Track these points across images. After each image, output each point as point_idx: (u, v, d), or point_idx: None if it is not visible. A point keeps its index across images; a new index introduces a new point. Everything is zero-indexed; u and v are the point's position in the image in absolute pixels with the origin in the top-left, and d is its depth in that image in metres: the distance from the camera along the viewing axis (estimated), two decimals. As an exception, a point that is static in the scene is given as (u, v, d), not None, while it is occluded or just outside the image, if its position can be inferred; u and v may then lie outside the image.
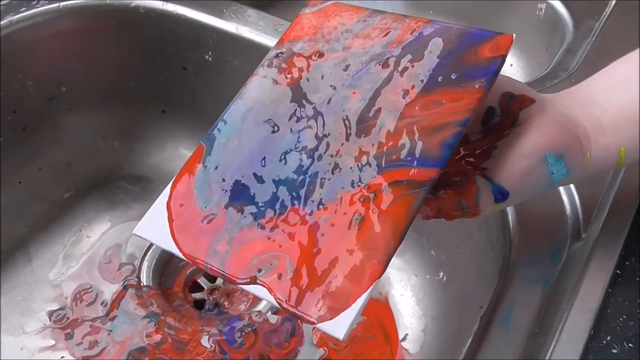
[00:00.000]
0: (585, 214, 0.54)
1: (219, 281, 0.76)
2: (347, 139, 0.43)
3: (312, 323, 0.36)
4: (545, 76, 0.69)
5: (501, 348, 0.48)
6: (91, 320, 0.71)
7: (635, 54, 0.47)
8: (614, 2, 0.80)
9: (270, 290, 0.38)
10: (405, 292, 0.73)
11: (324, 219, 0.40)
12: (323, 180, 0.42)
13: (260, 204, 0.42)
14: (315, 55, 0.49)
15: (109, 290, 0.74)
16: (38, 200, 0.80)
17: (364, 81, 0.45)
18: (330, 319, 0.36)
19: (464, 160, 0.45)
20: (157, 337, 0.69)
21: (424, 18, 0.48)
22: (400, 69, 0.45)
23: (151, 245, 0.77)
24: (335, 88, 0.46)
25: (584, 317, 0.47)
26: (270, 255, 0.40)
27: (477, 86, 0.41)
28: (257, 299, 0.73)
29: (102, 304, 0.72)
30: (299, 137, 0.44)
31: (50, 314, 0.72)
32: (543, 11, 0.83)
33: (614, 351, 0.46)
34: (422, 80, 0.43)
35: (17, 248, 0.77)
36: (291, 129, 0.45)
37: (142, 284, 0.74)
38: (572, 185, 0.56)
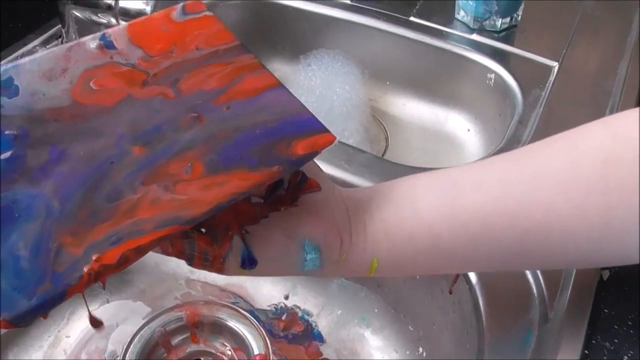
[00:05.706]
0: (550, 294, 0.55)
1: (204, 369, 0.76)
2: (85, 224, 0.34)
3: None
4: (500, 150, 0.71)
5: None
6: None
7: (419, 176, 0.48)
8: (556, 69, 0.84)
9: None
10: (387, 369, 0.73)
11: None
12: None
13: None
14: (140, 79, 0.40)
15: (92, 393, 0.72)
16: (13, 301, 0.78)
17: (161, 137, 0.38)
18: None
19: (233, 215, 0.42)
20: None
21: (276, 79, 0.43)
22: (205, 134, 0.39)
23: (132, 339, 0.77)
24: (122, 136, 0.37)
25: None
26: None
27: (275, 169, 0.39)
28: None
29: (85, 408, 0.71)
30: (29, 204, 0.34)
31: None
32: (492, 81, 0.86)
33: None
34: (216, 158, 0.38)
35: (-8, 358, 0.74)
36: (29, 181, 0.34)
37: (124, 383, 0.73)
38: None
